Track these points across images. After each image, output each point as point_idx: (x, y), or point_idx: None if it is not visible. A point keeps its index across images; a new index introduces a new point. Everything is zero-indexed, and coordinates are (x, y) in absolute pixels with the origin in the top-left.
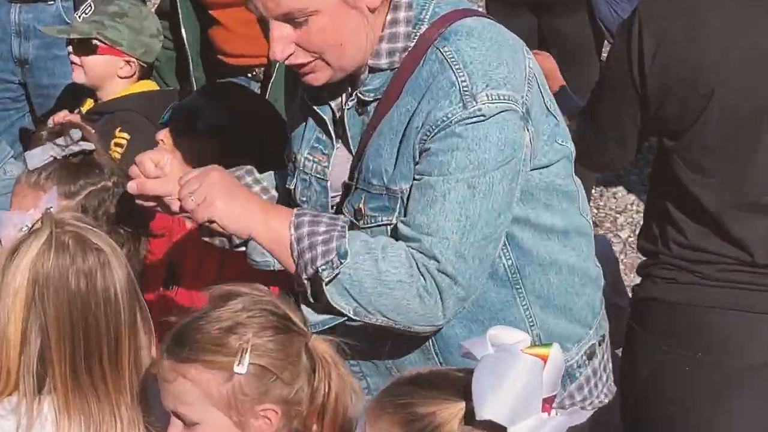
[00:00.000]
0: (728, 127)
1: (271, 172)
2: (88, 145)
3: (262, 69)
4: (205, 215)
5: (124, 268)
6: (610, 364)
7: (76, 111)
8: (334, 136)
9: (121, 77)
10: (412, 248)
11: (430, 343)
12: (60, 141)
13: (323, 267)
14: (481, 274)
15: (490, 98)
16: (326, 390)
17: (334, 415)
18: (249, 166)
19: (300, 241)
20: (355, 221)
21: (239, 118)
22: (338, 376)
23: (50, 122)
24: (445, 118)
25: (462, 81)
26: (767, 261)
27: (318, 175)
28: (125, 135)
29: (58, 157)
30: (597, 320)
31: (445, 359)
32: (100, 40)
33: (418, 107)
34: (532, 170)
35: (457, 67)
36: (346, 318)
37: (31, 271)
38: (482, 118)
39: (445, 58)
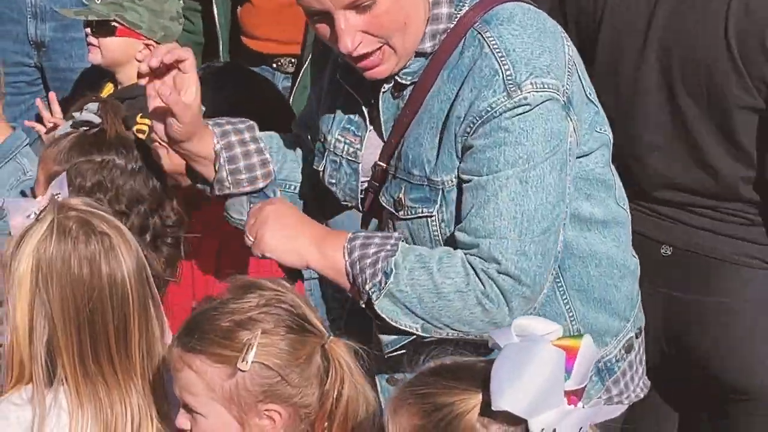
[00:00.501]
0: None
1: (273, 133)
2: (92, 117)
3: (289, 60)
4: (260, 251)
5: (133, 253)
6: (645, 357)
7: (94, 96)
8: (367, 118)
9: (139, 61)
10: (471, 254)
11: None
12: (76, 114)
13: (372, 290)
14: (545, 270)
15: (535, 87)
16: (337, 395)
17: (343, 421)
18: (251, 122)
19: (353, 267)
20: (394, 212)
21: (236, 103)
22: (351, 382)
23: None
24: (489, 109)
25: (506, 69)
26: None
27: (349, 157)
28: (147, 121)
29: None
30: (634, 312)
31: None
32: (119, 22)
33: (459, 94)
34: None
35: (499, 54)
36: (415, 335)
37: (33, 257)
38: (527, 107)
39: (487, 44)
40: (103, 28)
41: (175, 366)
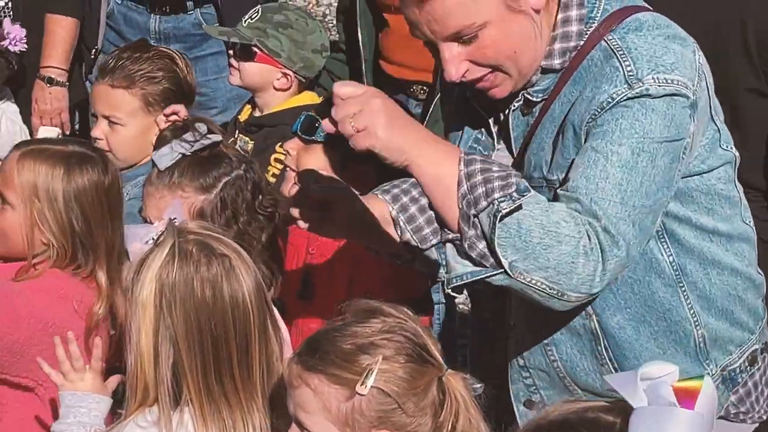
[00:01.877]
0: None
1: None
2: (216, 137)
3: (421, 87)
4: (365, 144)
5: (251, 273)
6: None
7: (232, 119)
8: (495, 137)
9: (276, 89)
10: (574, 206)
11: (603, 349)
12: (187, 137)
13: (501, 198)
14: (640, 242)
15: (657, 81)
16: (451, 428)
17: None
18: (412, 179)
19: (471, 177)
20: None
21: None
22: (466, 416)
23: (162, 119)
24: (610, 100)
25: (626, 65)
26: None
27: None
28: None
29: (187, 154)
30: (760, 326)
31: (620, 365)
32: (259, 48)
33: (581, 96)
34: (691, 175)
35: (621, 53)
36: (491, 274)
37: (157, 283)
38: (649, 96)
39: (610, 47)
40: (244, 52)
41: (292, 382)
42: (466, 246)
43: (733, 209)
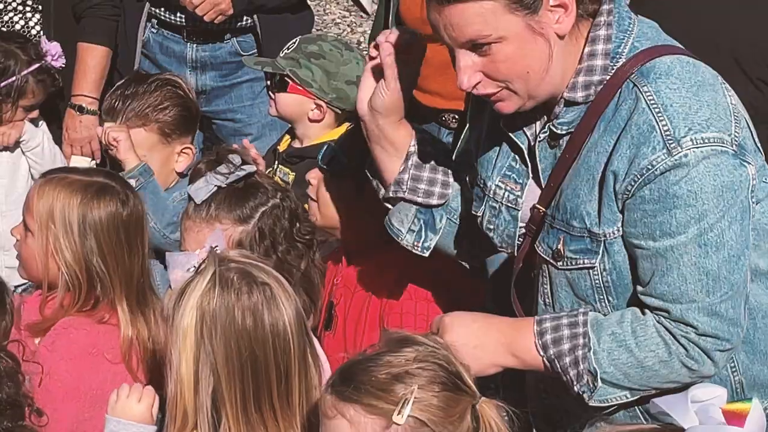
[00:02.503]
0: None
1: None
2: (250, 168)
3: (452, 115)
4: None
5: (291, 302)
6: None
7: (272, 149)
8: (530, 166)
9: (310, 120)
10: (663, 318)
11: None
12: (222, 169)
13: (582, 390)
14: (740, 317)
15: (695, 142)
16: None
17: None
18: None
19: (552, 365)
20: (552, 262)
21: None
22: None
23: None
24: (649, 167)
25: (663, 125)
26: None
27: (510, 204)
28: None
29: (222, 186)
30: None
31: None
32: (291, 78)
33: (616, 148)
34: None
35: (657, 110)
36: (625, 401)
37: (198, 310)
38: (689, 167)
39: (643, 98)
40: (279, 83)
41: (327, 413)
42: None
43: None
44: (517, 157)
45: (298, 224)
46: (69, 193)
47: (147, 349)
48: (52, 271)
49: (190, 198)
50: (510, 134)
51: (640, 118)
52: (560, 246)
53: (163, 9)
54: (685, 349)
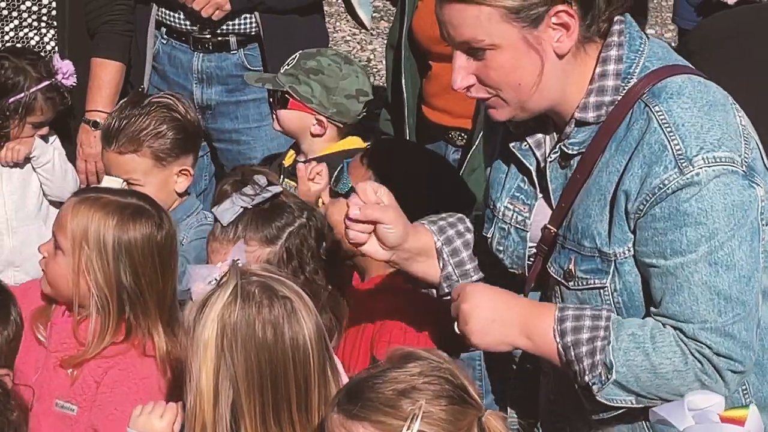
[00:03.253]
0: None
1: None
2: (276, 189)
3: (459, 133)
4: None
5: (312, 317)
6: None
7: (277, 163)
8: (538, 187)
9: (312, 135)
10: (679, 334)
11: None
12: (247, 190)
13: (592, 381)
14: (752, 341)
15: (707, 161)
16: None
17: None
18: (460, 214)
19: (566, 352)
20: (563, 282)
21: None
22: None
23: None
24: (661, 185)
25: (675, 144)
26: None
27: (518, 225)
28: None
29: (248, 207)
30: None
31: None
32: (290, 95)
33: (628, 168)
34: None
35: (668, 129)
36: (629, 406)
37: (218, 323)
38: (701, 186)
39: (655, 117)
40: (281, 99)
41: (333, 431)
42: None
43: None
44: (525, 178)
45: (324, 243)
46: (105, 214)
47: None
48: (82, 290)
49: (215, 219)
50: (519, 155)
51: (652, 137)
52: (571, 266)
53: (167, 10)
54: (701, 363)
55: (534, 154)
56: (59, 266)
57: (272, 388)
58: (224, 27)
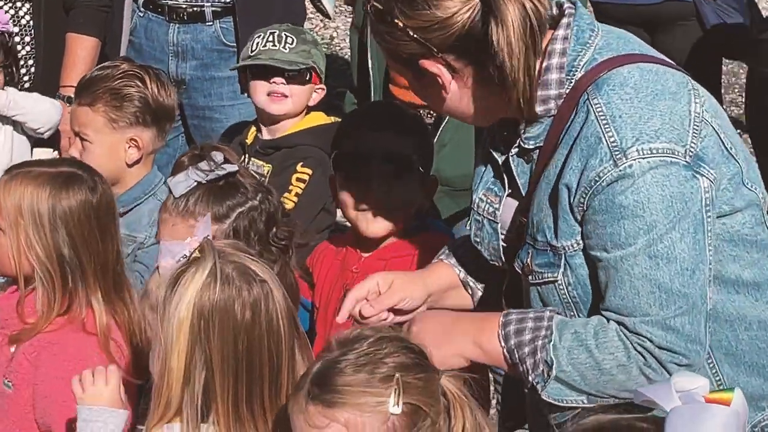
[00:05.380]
0: None
1: None
2: (232, 167)
3: (428, 111)
4: None
5: (283, 297)
6: None
7: (237, 141)
8: (506, 180)
9: (309, 106)
10: (622, 328)
11: None
12: (203, 165)
13: (536, 381)
14: (697, 334)
15: (641, 153)
16: (462, 428)
17: None
18: (447, 251)
19: (511, 355)
20: (523, 276)
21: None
22: (470, 413)
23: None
24: (597, 178)
25: (609, 136)
26: None
27: (490, 217)
28: (308, 170)
29: (202, 182)
30: None
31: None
32: (316, 70)
33: (567, 161)
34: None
35: (604, 122)
36: (582, 406)
37: (196, 304)
38: (635, 177)
39: (593, 110)
40: (298, 77)
41: (316, 424)
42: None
43: (762, 253)
44: (496, 173)
45: (275, 228)
46: (36, 187)
47: (128, 331)
48: (26, 267)
49: (169, 190)
50: (490, 149)
51: (588, 130)
52: (529, 260)
53: None
54: (644, 357)
55: (501, 148)
56: (2, 246)
57: (247, 371)
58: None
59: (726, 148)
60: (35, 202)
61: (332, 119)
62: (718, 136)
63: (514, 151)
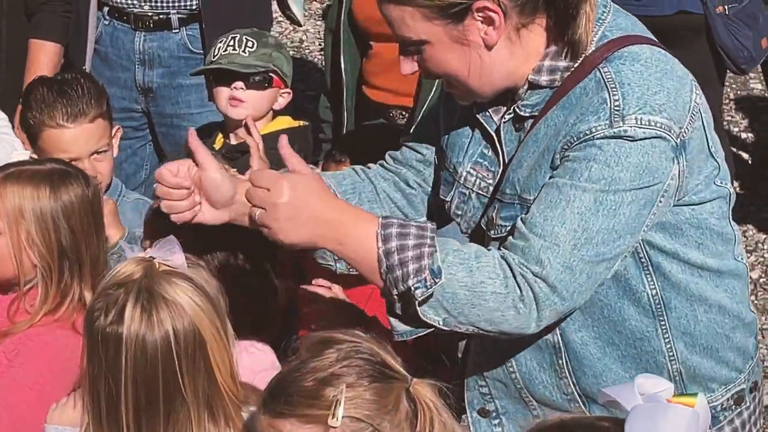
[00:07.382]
0: None
1: (348, 172)
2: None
3: (400, 111)
4: (269, 233)
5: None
6: (762, 419)
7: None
8: (500, 152)
9: (274, 110)
10: (515, 250)
11: (564, 363)
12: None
13: (416, 286)
14: (586, 290)
15: (639, 122)
16: None
17: None
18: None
19: (389, 256)
20: (486, 230)
21: None
22: (440, 422)
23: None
24: (588, 132)
25: (615, 99)
26: None
27: (480, 191)
28: None
29: None
30: (749, 365)
31: (578, 380)
32: (278, 73)
33: (565, 121)
34: (681, 205)
35: (612, 86)
36: (433, 329)
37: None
38: (627, 139)
39: (603, 78)
40: (260, 82)
41: None
42: (398, 311)
43: (725, 246)
44: (489, 144)
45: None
46: (35, 186)
47: None
48: (26, 266)
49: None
50: (482, 121)
51: (596, 95)
52: (493, 214)
53: None
54: (520, 289)
55: (493, 118)
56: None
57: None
58: (165, 1)
59: (708, 145)
60: (36, 201)
61: (300, 123)
62: (705, 131)
63: (507, 117)
